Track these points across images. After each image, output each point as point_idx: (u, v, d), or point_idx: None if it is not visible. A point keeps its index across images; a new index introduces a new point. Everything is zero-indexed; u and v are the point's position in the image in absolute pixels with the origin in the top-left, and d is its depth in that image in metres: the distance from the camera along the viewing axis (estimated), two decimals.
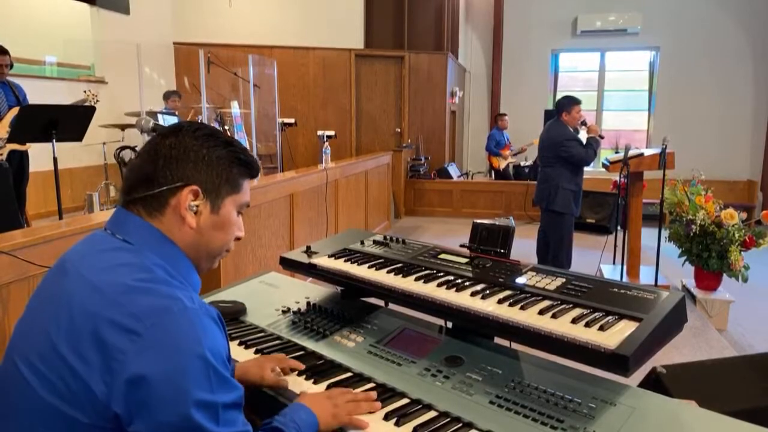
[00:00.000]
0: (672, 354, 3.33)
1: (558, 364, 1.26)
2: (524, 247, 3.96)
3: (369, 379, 1.29)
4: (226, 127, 6.74)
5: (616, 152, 5.26)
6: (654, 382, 1.79)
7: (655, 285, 4.15)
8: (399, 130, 9.00)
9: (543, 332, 1.20)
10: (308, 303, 1.70)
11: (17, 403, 0.90)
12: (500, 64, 10.68)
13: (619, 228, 4.93)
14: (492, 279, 1.45)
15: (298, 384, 1.29)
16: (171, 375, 0.83)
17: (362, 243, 1.81)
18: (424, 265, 1.58)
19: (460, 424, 1.11)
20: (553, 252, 4.53)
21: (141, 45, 6.13)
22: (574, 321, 1.20)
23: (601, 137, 4.60)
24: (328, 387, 1.26)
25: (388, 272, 1.56)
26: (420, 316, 1.52)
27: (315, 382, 1.29)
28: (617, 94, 10.84)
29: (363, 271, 1.58)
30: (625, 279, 4.51)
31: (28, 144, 4.69)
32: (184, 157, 1.00)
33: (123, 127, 6.33)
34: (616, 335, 1.14)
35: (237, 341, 1.49)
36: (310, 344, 1.46)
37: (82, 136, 4.32)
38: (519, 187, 8.08)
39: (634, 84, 10.71)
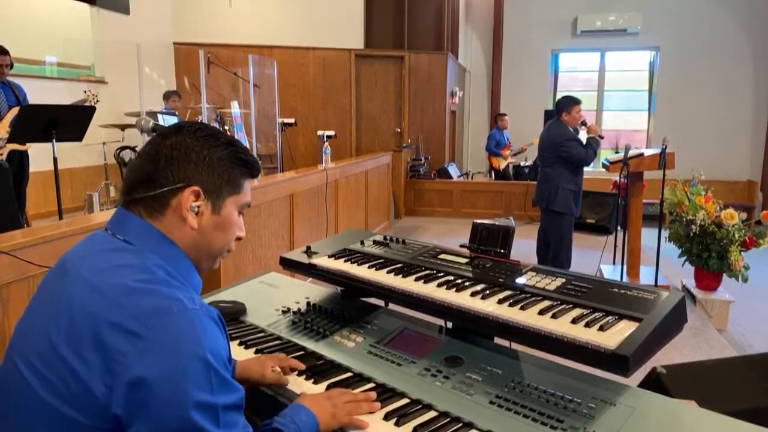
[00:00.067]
0: (672, 354, 3.33)
1: (558, 364, 1.26)
2: (524, 247, 3.97)
3: (369, 379, 1.29)
4: (226, 127, 6.74)
5: (616, 152, 5.26)
6: (654, 382, 1.79)
7: (655, 285, 4.15)
8: (399, 130, 9.00)
9: (543, 332, 1.20)
10: (308, 303, 1.70)
11: (17, 403, 0.90)
12: (500, 64, 10.68)
13: (619, 228, 4.93)
14: (492, 279, 1.45)
15: (298, 384, 1.29)
16: (171, 376, 0.83)
17: (362, 243, 1.82)
18: (424, 265, 1.58)
19: (460, 424, 1.11)
20: (553, 252, 4.54)
21: (141, 45, 6.12)
22: (574, 321, 1.20)
23: (601, 137, 4.60)
24: (328, 387, 1.26)
25: (388, 272, 1.56)
26: (420, 316, 1.52)
27: (315, 382, 1.29)
28: (617, 94, 10.85)
29: (363, 271, 1.58)
30: (625, 279, 4.51)
31: (28, 144, 4.69)
32: (185, 158, 1.00)
33: (123, 127, 6.34)
34: (616, 335, 1.14)
35: (237, 341, 1.49)
36: (310, 344, 1.46)
37: (82, 136, 4.32)
38: (519, 187, 8.08)
39: (634, 84, 10.71)
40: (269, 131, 7.73)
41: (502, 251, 1.57)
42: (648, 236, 4.86)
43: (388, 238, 1.84)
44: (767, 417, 1.28)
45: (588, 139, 4.52)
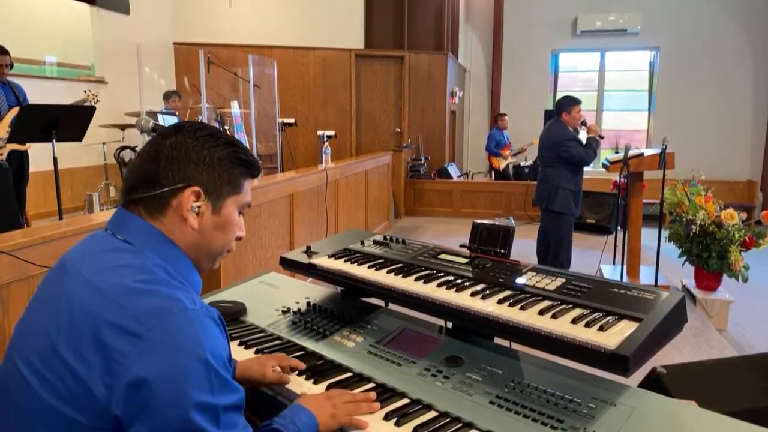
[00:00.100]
0: (672, 354, 3.33)
1: (558, 364, 1.26)
2: (524, 247, 3.97)
3: (369, 379, 1.29)
4: (226, 127, 6.75)
5: (616, 152, 5.26)
6: (654, 382, 1.79)
7: (655, 285, 4.15)
8: (399, 130, 9.00)
9: (543, 332, 1.20)
10: (308, 303, 1.70)
11: (17, 403, 0.90)
12: (500, 64, 10.68)
13: (619, 228, 4.93)
14: (492, 279, 1.45)
15: (298, 384, 1.29)
16: (171, 377, 0.83)
17: (362, 243, 1.82)
18: (424, 265, 1.58)
19: (460, 425, 1.11)
20: (553, 252, 4.54)
21: (141, 45, 6.12)
22: (574, 321, 1.20)
23: (601, 137, 4.60)
24: (329, 387, 1.26)
25: (388, 272, 1.56)
26: (420, 316, 1.52)
27: (315, 382, 1.29)
28: (617, 94, 10.85)
29: (363, 271, 1.58)
30: (625, 279, 4.51)
31: (28, 144, 4.69)
32: (185, 158, 1.00)
33: (123, 127, 6.34)
34: (616, 335, 1.14)
35: (237, 341, 1.49)
36: (310, 344, 1.46)
37: (82, 136, 4.32)
38: (519, 187, 8.08)
39: (634, 84, 10.71)
40: (269, 131, 7.73)
41: (502, 251, 1.57)
42: (648, 236, 4.86)
43: (388, 238, 1.84)
44: (767, 417, 1.28)
45: (588, 139, 4.52)
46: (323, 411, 1.13)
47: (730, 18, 9.74)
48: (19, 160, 4.79)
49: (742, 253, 4.17)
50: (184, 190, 0.99)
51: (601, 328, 1.17)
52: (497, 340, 1.39)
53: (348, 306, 1.65)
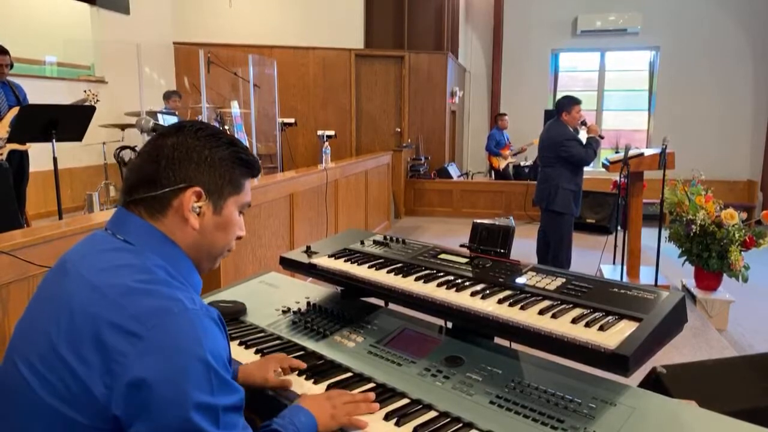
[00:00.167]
0: (672, 354, 3.33)
1: (558, 364, 1.26)
2: (524, 247, 3.97)
3: (369, 379, 1.29)
4: (226, 127, 6.74)
5: (616, 152, 5.26)
6: (654, 382, 1.79)
7: (655, 285, 4.15)
8: (399, 130, 9.00)
9: (543, 332, 1.20)
10: (308, 303, 1.70)
11: (17, 403, 0.90)
12: (500, 64, 10.68)
13: (619, 228, 4.93)
14: (492, 279, 1.45)
15: (298, 384, 1.29)
16: (171, 377, 0.83)
17: (362, 243, 1.82)
18: (424, 265, 1.58)
19: (460, 425, 1.11)
20: (553, 252, 4.54)
21: (141, 45, 6.13)
22: (574, 321, 1.20)
23: (601, 137, 4.60)
24: (329, 387, 1.26)
25: (388, 272, 1.56)
26: (420, 316, 1.52)
27: (315, 382, 1.29)
28: (617, 94, 10.85)
29: (363, 271, 1.58)
30: (625, 279, 4.51)
31: (28, 144, 4.69)
32: (186, 158, 1.00)
33: (123, 127, 6.33)
34: (616, 335, 1.14)
35: (237, 341, 1.49)
36: (310, 344, 1.46)
37: (82, 136, 4.32)
38: (519, 187, 8.08)
39: (634, 84, 10.71)
40: (269, 131, 7.73)
41: (502, 251, 1.57)
42: (648, 236, 4.86)
43: (388, 238, 1.84)
44: (767, 417, 1.28)
45: (588, 139, 4.52)
46: (323, 411, 1.13)
47: (730, 18, 9.74)
48: (19, 160, 4.79)
49: (742, 253, 4.17)
50: (185, 190, 0.99)
51: (601, 328, 1.17)
52: (497, 340, 1.39)
53: (348, 306, 1.65)
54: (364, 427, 1.12)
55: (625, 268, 4.59)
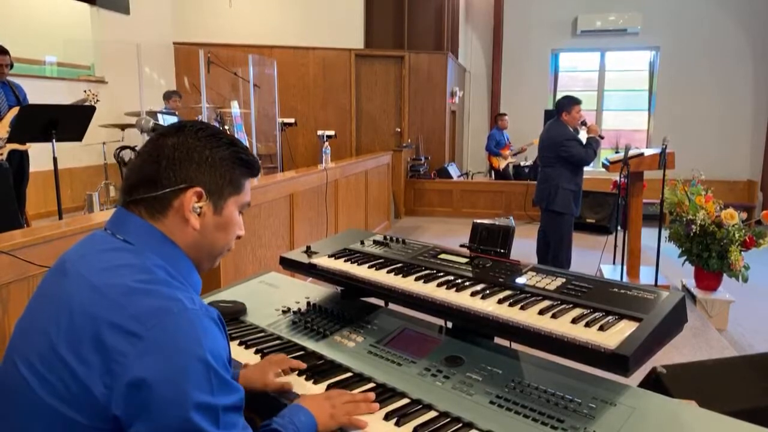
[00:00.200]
0: (672, 354, 3.33)
1: (558, 364, 1.26)
2: (524, 247, 3.97)
3: (369, 379, 1.29)
4: (226, 127, 6.74)
5: (616, 152, 5.26)
6: (654, 382, 1.79)
7: (655, 285, 4.15)
8: (399, 130, 9.00)
9: (543, 332, 1.20)
10: (308, 303, 1.70)
11: (17, 403, 0.90)
12: (500, 64, 10.68)
13: (619, 228, 4.93)
14: (492, 279, 1.45)
15: (298, 384, 1.29)
16: (171, 377, 0.83)
17: (362, 243, 1.81)
18: (424, 265, 1.58)
19: (460, 425, 1.11)
20: (553, 252, 4.54)
21: (141, 45, 6.13)
22: (574, 321, 1.20)
23: (601, 137, 4.60)
24: (329, 387, 1.26)
25: (388, 272, 1.56)
26: (420, 316, 1.52)
27: (315, 382, 1.29)
28: (617, 94, 10.85)
29: (363, 271, 1.58)
30: (625, 279, 4.51)
31: (28, 144, 4.69)
32: (187, 158, 1.00)
33: (123, 127, 6.34)
34: (616, 335, 1.14)
35: (237, 341, 1.49)
36: (310, 344, 1.46)
37: (82, 136, 4.32)
38: (519, 187, 8.08)
39: (634, 84, 10.71)
40: (269, 131, 7.73)
41: (502, 251, 1.57)
42: (648, 236, 4.86)
43: (388, 238, 1.84)
44: (767, 417, 1.28)
45: (588, 139, 4.52)
46: (322, 411, 1.13)
47: (730, 18, 9.74)
48: (19, 160, 4.79)
49: (742, 253, 4.17)
50: (186, 190, 0.99)
51: (601, 328, 1.16)
52: (497, 340, 1.39)
53: (348, 306, 1.65)
54: (363, 427, 1.12)
55: (625, 268, 4.59)
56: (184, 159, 1.00)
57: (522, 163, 9.26)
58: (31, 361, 0.89)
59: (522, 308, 1.28)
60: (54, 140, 3.99)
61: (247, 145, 6.50)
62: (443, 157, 9.12)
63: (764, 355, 2.05)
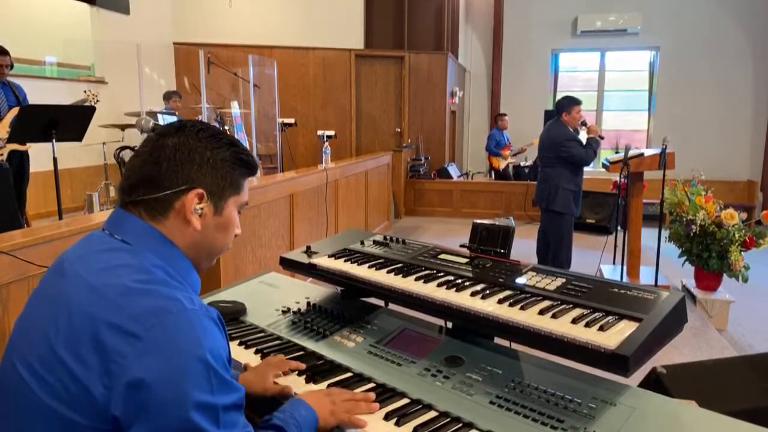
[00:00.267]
0: (672, 354, 3.33)
1: (558, 364, 1.26)
2: (524, 247, 3.97)
3: (369, 379, 1.29)
4: (226, 128, 6.74)
5: (616, 152, 5.26)
6: (654, 382, 1.79)
7: (655, 285, 4.15)
8: (399, 130, 9.00)
9: (543, 332, 1.20)
10: (308, 303, 1.70)
11: (16, 404, 0.90)
12: (500, 64, 10.68)
13: (619, 228, 4.93)
14: (492, 279, 1.45)
15: (298, 384, 1.29)
16: (171, 377, 0.83)
17: (362, 243, 1.81)
18: (424, 265, 1.58)
19: (460, 425, 1.11)
20: (553, 252, 4.54)
21: (141, 45, 6.13)
22: (574, 321, 1.20)
23: (601, 137, 4.60)
24: (328, 387, 1.26)
25: (388, 272, 1.56)
26: (420, 316, 1.52)
27: (315, 383, 1.29)
28: (617, 94, 10.85)
29: (363, 271, 1.58)
30: (625, 279, 4.51)
31: (28, 144, 4.69)
32: (188, 159, 0.99)
33: (123, 127, 6.33)
34: (616, 335, 1.14)
35: (237, 341, 1.49)
36: (310, 344, 1.46)
37: (82, 136, 4.32)
38: (519, 187, 8.08)
39: (634, 84, 10.71)
40: (269, 131, 7.73)
41: (502, 251, 1.57)
42: (648, 236, 4.86)
43: (388, 238, 1.84)
44: (767, 417, 1.28)
45: (588, 139, 4.52)
46: (322, 407, 1.13)
47: (730, 18, 9.74)
48: (19, 160, 4.79)
49: (742, 253, 4.17)
50: (187, 192, 0.99)
51: (601, 328, 1.16)
52: (497, 340, 1.39)
53: (348, 306, 1.65)
54: (363, 426, 1.12)
55: (625, 268, 4.59)
56: (185, 160, 0.99)
57: (522, 164, 9.26)
58: (30, 361, 0.89)
59: (522, 308, 1.28)
60: (54, 140, 3.99)
61: (247, 145, 6.52)
62: (443, 157, 9.12)
63: (764, 355, 2.05)
